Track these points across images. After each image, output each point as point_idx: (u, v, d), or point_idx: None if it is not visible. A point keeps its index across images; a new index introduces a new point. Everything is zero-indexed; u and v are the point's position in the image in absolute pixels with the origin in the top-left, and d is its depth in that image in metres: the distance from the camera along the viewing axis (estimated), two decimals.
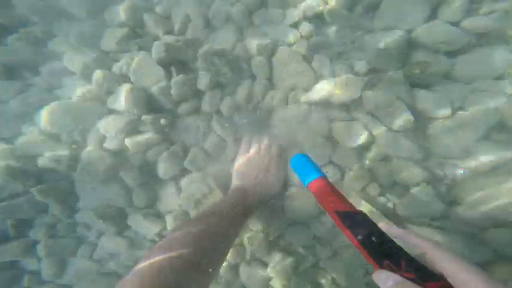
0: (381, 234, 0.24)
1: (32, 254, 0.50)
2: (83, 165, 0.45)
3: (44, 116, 0.46)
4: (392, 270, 0.22)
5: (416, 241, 0.25)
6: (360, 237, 0.24)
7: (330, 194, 0.29)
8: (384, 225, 0.26)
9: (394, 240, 0.24)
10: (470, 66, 0.42)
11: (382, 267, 0.22)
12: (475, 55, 0.42)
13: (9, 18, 0.47)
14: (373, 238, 0.23)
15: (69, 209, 0.49)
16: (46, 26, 0.48)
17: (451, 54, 0.43)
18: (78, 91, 0.47)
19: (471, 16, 0.42)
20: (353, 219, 0.25)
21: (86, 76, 0.46)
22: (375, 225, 0.25)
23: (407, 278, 0.21)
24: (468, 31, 0.42)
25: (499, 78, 0.41)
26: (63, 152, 0.45)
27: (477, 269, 0.21)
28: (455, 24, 0.43)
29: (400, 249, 0.23)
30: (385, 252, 0.23)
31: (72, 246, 0.50)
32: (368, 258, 0.23)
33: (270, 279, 0.45)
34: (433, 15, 0.44)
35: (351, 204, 0.28)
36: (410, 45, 0.45)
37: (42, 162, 0.46)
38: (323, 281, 0.44)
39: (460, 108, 0.41)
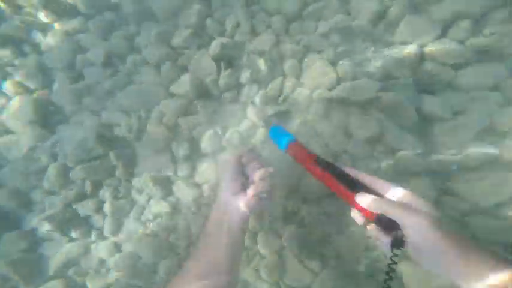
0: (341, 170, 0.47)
1: (99, 212, 0.84)
2: (146, 135, 0.80)
3: (120, 96, 0.83)
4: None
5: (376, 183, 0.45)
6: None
7: (308, 154, 0.51)
8: (349, 169, 0.47)
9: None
10: (470, 78, 0.66)
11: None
12: (475, 69, 0.66)
13: (117, 18, 0.86)
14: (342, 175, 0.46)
15: (129, 174, 0.83)
16: (137, 25, 0.86)
17: (456, 66, 0.67)
18: (148, 78, 0.82)
19: (475, 36, 0.67)
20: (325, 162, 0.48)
21: (158, 66, 0.82)
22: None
23: None
24: (471, 48, 0.66)
25: (493, 89, 0.64)
26: (134, 123, 0.80)
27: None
28: (461, 42, 0.68)
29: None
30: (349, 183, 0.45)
31: (128, 208, 0.84)
32: (343, 191, 0.45)
33: (283, 248, 0.72)
34: (443, 34, 0.69)
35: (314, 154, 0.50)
36: (421, 57, 0.70)
37: (118, 131, 0.82)
38: (329, 254, 0.69)
39: (459, 113, 0.65)
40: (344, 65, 0.75)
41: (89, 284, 0.82)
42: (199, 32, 0.83)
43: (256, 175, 0.51)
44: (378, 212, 0.41)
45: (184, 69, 0.81)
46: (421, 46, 0.71)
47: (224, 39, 0.79)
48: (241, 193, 0.50)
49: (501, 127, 0.62)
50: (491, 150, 0.61)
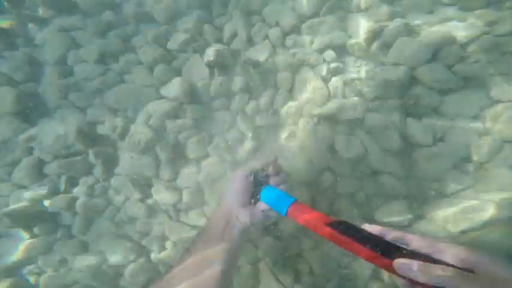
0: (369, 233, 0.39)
1: (71, 209, 0.88)
2: (130, 135, 0.86)
3: (109, 94, 0.90)
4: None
5: (398, 234, 0.40)
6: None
7: (311, 212, 0.46)
8: (368, 226, 0.42)
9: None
10: (455, 105, 0.74)
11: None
12: (460, 95, 0.75)
13: (116, 18, 0.95)
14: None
15: (108, 173, 0.89)
16: (136, 26, 0.94)
17: (442, 92, 0.76)
18: (140, 78, 0.90)
19: (462, 62, 0.76)
20: (346, 226, 0.41)
21: (151, 67, 0.90)
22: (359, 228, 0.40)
23: None
24: (457, 74, 0.76)
25: (475, 117, 0.73)
26: (119, 122, 0.87)
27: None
28: (449, 67, 0.77)
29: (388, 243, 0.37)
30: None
31: (102, 207, 0.88)
32: (373, 255, 0.37)
33: (258, 259, 0.78)
34: (432, 58, 0.79)
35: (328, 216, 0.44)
36: (411, 80, 0.80)
37: (101, 129, 0.89)
38: (303, 269, 0.74)
39: (441, 140, 0.74)
40: (336, 82, 0.84)
41: (42, 285, 0.85)
42: (196, 37, 0.92)
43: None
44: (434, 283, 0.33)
45: (177, 72, 0.89)
46: (412, 68, 0.80)
47: (220, 46, 0.87)
48: (249, 206, 0.57)
49: (477, 158, 0.70)
50: (466, 180, 0.69)
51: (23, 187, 0.90)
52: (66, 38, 0.96)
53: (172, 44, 0.90)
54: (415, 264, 0.34)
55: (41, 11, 1.01)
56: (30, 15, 1.01)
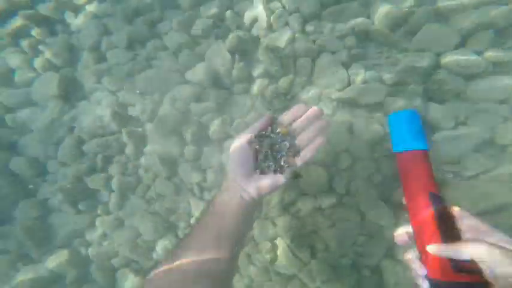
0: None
1: (107, 186, 0.99)
2: (158, 117, 0.94)
3: (138, 79, 0.98)
4: None
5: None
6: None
7: (424, 172, 0.42)
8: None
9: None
10: (481, 90, 0.74)
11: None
12: (488, 81, 0.74)
13: (143, 4, 1.02)
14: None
15: (138, 152, 0.98)
16: (160, 12, 1.01)
17: (468, 77, 0.76)
18: (166, 63, 0.97)
19: (494, 48, 0.75)
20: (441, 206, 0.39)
21: (176, 53, 0.96)
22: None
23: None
24: (488, 60, 0.75)
25: (502, 102, 0.72)
26: (148, 105, 0.95)
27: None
28: (479, 53, 0.76)
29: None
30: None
31: (134, 185, 0.98)
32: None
33: (276, 236, 0.84)
34: (461, 44, 0.78)
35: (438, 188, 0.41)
36: (436, 66, 0.80)
37: (131, 111, 0.98)
38: (318, 246, 0.80)
39: (463, 123, 0.74)
40: (357, 67, 0.86)
41: (91, 255, 0.97)
42: (218, 23, 0.97)
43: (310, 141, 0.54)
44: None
45: (200, 57, 0.95)
46: (437, 55, 0.80)
47: (241, 33, 0.92)
48: (253, 176, 0.52)
49: (501, 141, 0.70)
50: (487, 162, 0.70)
51: (67, 165, 1.01)
52: (99, 25, 1.05)
53: (196, 30, 0.95)
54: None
55: None
56: (67, 2, 1.10)
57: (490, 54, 0.75)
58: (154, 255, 0.92)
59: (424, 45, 0.81)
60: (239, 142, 0.53)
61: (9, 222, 1.00)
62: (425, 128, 0.72)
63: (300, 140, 0.55)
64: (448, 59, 0.77)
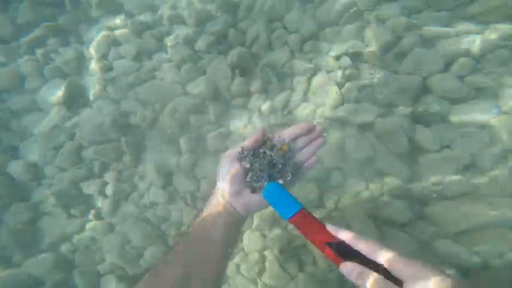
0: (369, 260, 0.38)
1: (102, 192, 1.02)
2: (157, 127, 0.99)
3: (141, 89, 1.04)
4: None
5: (361, 244, 0.40)
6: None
7: (316, 225, 0.45)
8: (332, 227, 0.44)
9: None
10: (464, 114, 0.79)
11: None
12: (469, 105, 0.79)
13: (153, 18, 1.09)
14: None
15: (136, 160, 1.02)
16: (169, 27, 1.07)
17: (452, 101, 0.81)
18: (169, 75, 1.03)
19: (474, 73, 0.81)
20: (344, 248, 0.41)
21: (179, 66, 1.02)
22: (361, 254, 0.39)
23: None
24: (469, 85, 0.80)
25: (483, 127, 0.77)
26: (148, 114, 1.00)
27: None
28: (461, 78, 0.82)
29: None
30: None
31: (128, 192, 1.02)
32: None
33: (265, 248, 0.86)
34: (445, 69, 0.84)
35: (332, 234, 0.43)
36: (423, 89, 0.85)
37: (132, 119, 1.02)
38: (307, 260, 0.82)
39: (447, 147, 0.78)
40: (350, 87, 0.91)
41: (76, 261, 0.98)
42: (221, 40, 1.03)
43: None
44: None
45: (202, 71, 1.00)
46: (424, 78, 0.86)
47: (242, 50, 0.98)
48: (242, 193, 0.50)
49: (481, 165, 0.75)
50: (468, 185, 0.74)
51: (64, 169, 1.05)
52: (109, 36, 1.11)
53: (200, 45, 1.02)
54: (357, 268, 0.38)
55: (93, 12, 1.17)
56: (84, 14, 1.18)
57: (471, 79, 0.80)
58: (142, 262, 0.93)
59: (412, 69, 0.87)
60: (229, 158, 0.51)
61: None
62: (411, 150, 0.77)
63: (297, 157, 0.54)
64: (434, 83, 0.82)
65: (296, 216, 0.47)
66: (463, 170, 0.75)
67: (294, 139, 0.54)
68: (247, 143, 0.52)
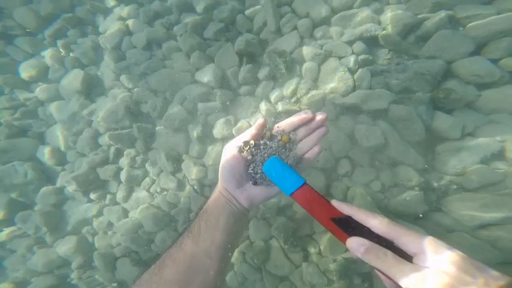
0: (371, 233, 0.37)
1: (116, 178, 1.08)
2: (167, 114, 1.01)
3: (152, 77, 1.06)
4: None
5: (368, 219, 0.38)
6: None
7: (319, 201, 0.42)
8: (336, 202, 0.41)
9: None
10: (494, 100, 0.72)
11: None
12: (502, 90, 0.72)
13: (163, 7, 1.11)
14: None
15: (147, 147, 1.05)
16: (177, 15, 1.08)
17: (481, 86, 0.74)
18: (178, 64, 1.04)
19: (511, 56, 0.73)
20: (349, 224, 0.40)
21: (188, 54, 1.03)
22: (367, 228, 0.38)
23: None
24: (504, 69, 0.73)
25: None
26: (158, 103, 1.03)
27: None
28: (495, 61, 0.75)
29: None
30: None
31: (141, 178, 1.06)
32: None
33: (271, 237, 0.86)
34: (476, 51, 0.77)
35: (337, 210, 0.41)
36: (446, 73, 0.79)
37: (144, 107, 1.05)
38: (311, 250, 0.81)
39: (470, 134, 0.72)
40: (363, 72, 0.87)
41: (96, 243, 1.04)
42: (229, 27, 1.02)
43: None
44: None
45: (211, 59, 1.00)
46: (449, 62, 0.79)
47: (250, 36, 0.96)
48: (244, 185, 0.50)
49: (510, 155, 0.68)
50: (493, 176, 0.67)
51: (84, 155, 1.11)
52: (122, 26, 1.15)
53: (208, 33, 1.01)
54: (365, 243, 0.36)
55: (108, 1, 1.21)
56: (100, 5, 1.23)
57: (506, 61, 0.73)
58: (153, 247, 0.97)
59: (435, 52, 0.81)
60: (230, 150, 0.50)
61: (31, 207, 1.11)
62: (428, 138, 0.72)
63: (299, 148, 0.52)
64: (461, 66, 0.76)
65: (299, 191, 0.45)
66: (487, 159, 0.69)
67: (295, 129, 0.52)
68: (247, 134, 0.51)
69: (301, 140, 0.52)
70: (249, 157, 0.50)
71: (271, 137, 0.51)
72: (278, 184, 0.47)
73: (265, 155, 0.50)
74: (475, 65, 0.75)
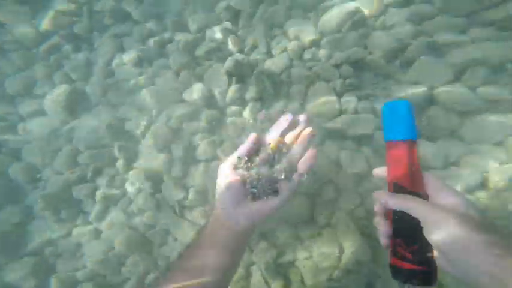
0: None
1: (91, 197, 1.06)
2: (150, 133, 1.02)
3: (141, 94, 1.08)
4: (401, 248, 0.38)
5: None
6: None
7: (405, 163, 0.41)
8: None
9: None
10: (475, 129, 0.74)
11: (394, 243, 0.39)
12: (482, 119, 0.74)
13: (158, 26, 1.16)
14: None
15: (128, 166, 1.05)
16: (172, 34, 1.12)
17: (463, 114, 0.77)
18: (167, 82, 1.07)
19: (489, 84, 0.76)
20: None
21: (177, 72, 1.06)
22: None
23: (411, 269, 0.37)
24: (482, 96, 0.75)
25: (498, 144, 0.71)
26: (143, 121, 1.04)
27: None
28: (473, 89, 0.77)
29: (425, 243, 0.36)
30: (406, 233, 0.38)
31: (118, 198, 1.04)
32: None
33: (252, 263, 0.84)
34: (455, 79, 0.80)
35: (415, 183, 0.41)
36: (430, 101, 0.81)
37: (128, 125, 1.06)
38: (293, 277, 0.78)
39: (454, 164, 0.73)
40: (349, 97, 0.89)
41: (58, 266, 1.01)
42: (221, 47, 1.06)
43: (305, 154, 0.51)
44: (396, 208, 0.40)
45: (200, 78, 1.03)
46: (431, 89, 0.82)
47: (240, 56, 1.00)
48: (243, 203, 0.49)
49: (493, 185, 0.69)
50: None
51: (60, 173, 1.10)
52: (116, 43, 1.18)
53: (200, 52, 1.05)
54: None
55: (106, 20, 1.25)
56: (98, 22, 1.27)
57: (484, 90, 0.76)
58: (123, 271, 0.94)
59: (418, 78, 0.84)
60: (225, 168, 0.51)
61: None
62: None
63: (292, 154, 0.53)
64: (442, 94, 0.79)
65: (400, 144, 0.44)
66: (471, 189, 0.70)
67: (282, 136, 0.55)
68: (240, 151, 0.52)
69: (292, 145, 0.54)
70: (245, 172, 0.50)
71: (264, 151, 0.53)
72: (385, 126, 0.47)
73: (261, 168, 0.51)
74: (455, 92, 0.78)
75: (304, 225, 0.81)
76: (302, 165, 0.52)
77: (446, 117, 0.78)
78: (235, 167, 0.51)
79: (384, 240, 0.44)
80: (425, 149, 0.76)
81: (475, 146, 0.74)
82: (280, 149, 0.52)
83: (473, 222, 0.35)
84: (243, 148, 0.52)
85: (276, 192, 0.50)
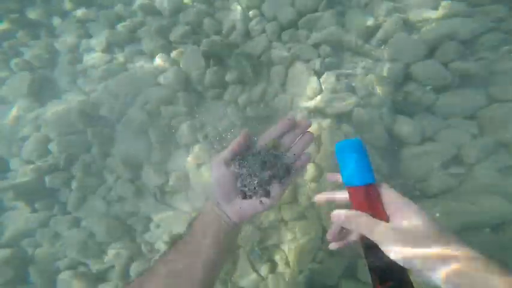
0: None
1: (67, 186, 1.02)
2: (126, 118, 0.98)
3: (113, 80, 1.04)
4: None
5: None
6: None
7: (365, 206, 0.41)
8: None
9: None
10: (450, 104, 0.78)
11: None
12: (455, 94, 0.78)
13: (126, 10, 1.11)
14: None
15: (104, 153, 1.01)
16: (143, 18, 1.08)
17: (437, 89, 0.80)
18: (140, 64, 1.03)
19: (462, 60, 0.79)
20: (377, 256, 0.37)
21: (152, 56, 1.02)
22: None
23: None
24: (454, 72, 0.79)
25: (471, 118, 0.75)
26: (118, 106, 1.00)
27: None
28: (446, 64, 0.81)
29: None
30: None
31: (96, 185, 1.01)
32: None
33: (238, 247, 0.85)
34: (429, 55, 0.83)
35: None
36: (405, 76, 0.84)
37: (102, 110, 1.02)
38: (278, 258, 0.80)
39: (430, 139, 0.77)
40: (328, 76, 0.90)
41: (37, 256, 0.97)
42: (196, 29, 1.03)
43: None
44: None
45: (176, 62, 1.01)
46: (407, 65, 0.85)
47: (217, 38, 0.98)
48: (234, 200, 0.50)
49: (468, 159, 0.73)
50: (451, 181, 0.72)
51: (31, 162, 1.04)
52: (81, 29, 1.12)
53: (174, 36, 1.02)
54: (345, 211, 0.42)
55: (67, 5, 1.18)
56: (56, 8, 1.19)
57: (456, 65, 0.79)
58: (105, 259, 0.92)
59: (395, 55, 0.86)
60: (217, 165, 0.51)
61: None
62: (392, 143, 0.76)
63: (287, 157, 0.52)
64: (417, 69, 0.81)
65: (359, 189, 0.43)
66: (446, 164, 0.73)
67: (280, 137, 0.52)
68: (232, 147, 0.51)
69: (288, 148, 0.52)
70: (237, 170, 0.50)
71: (258, 148, 0.52)
72: (343, 171, 0.46)
73: (254, 167, 0.50)
74: (429, 68, 0.81)
75: (288, 207, 0.82)
76: (296, 169, 0.52)
77: (421, 93, 0.80)
78: (228, 164, 0.50)
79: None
80: (403, 125, 0.79)
81: (450, 120, 0.77)
82: (276, 151, 0.51)
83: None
84: (235, 145, 0.51)
85: (267, 193, 0.50)
